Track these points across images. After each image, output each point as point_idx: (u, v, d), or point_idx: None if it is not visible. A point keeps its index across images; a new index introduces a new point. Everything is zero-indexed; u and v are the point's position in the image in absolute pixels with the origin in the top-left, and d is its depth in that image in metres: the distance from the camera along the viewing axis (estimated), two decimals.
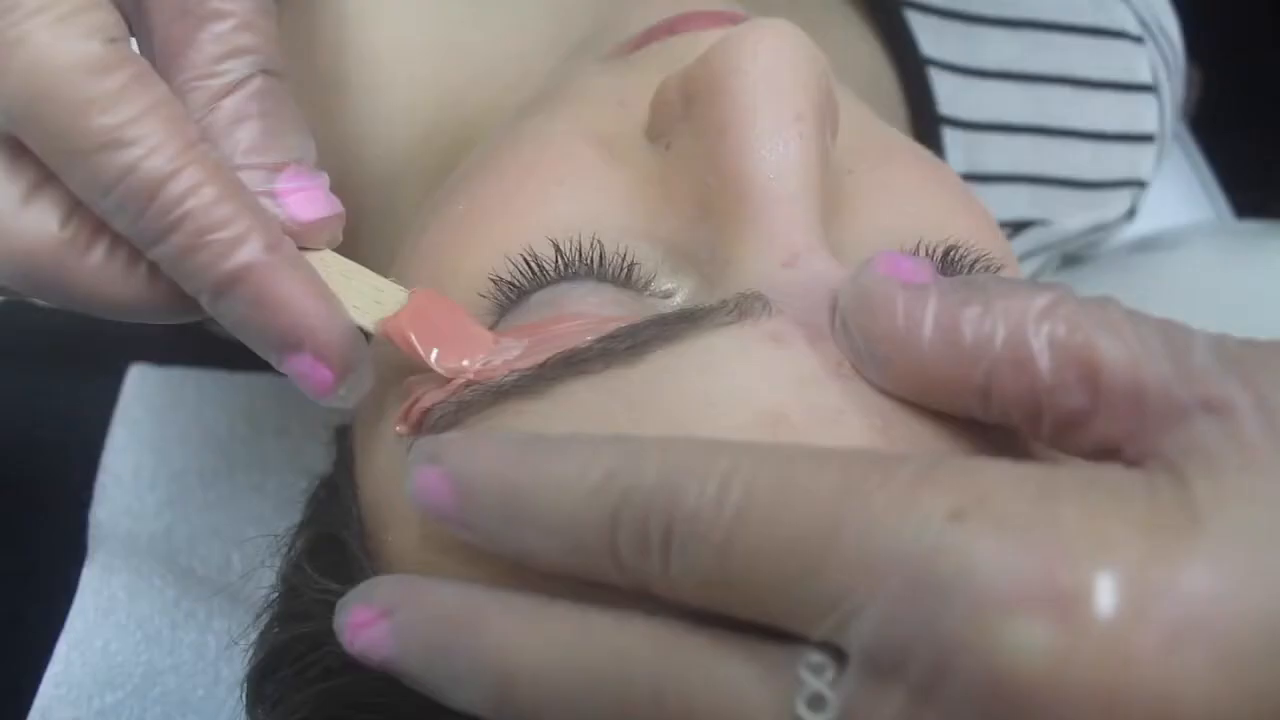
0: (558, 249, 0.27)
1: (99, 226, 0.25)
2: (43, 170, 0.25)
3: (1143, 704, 0.18)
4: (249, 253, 0.24)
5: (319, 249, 0.27)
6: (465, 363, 0.26)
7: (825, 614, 0.20)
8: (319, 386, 0.26)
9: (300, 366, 0.26)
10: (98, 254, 0.26)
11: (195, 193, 0.24)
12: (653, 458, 0.21)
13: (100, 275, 0.26)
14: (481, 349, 0.26)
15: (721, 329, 0.24)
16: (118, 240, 0.26)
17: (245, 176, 0.26)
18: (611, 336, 0.25)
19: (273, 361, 0.26)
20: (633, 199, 0.28)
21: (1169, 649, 0.18)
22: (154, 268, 0.26)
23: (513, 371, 0.25)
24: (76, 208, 0.25)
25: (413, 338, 0.26)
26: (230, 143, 0.26)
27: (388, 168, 0.41)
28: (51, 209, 0.25)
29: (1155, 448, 0.20)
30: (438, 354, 0.26)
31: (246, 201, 0.25)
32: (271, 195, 0.26)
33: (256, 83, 0.26)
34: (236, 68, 0.26)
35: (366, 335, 0.27)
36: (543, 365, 0.25)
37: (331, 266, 0.27)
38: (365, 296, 0.27)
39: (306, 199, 0.27)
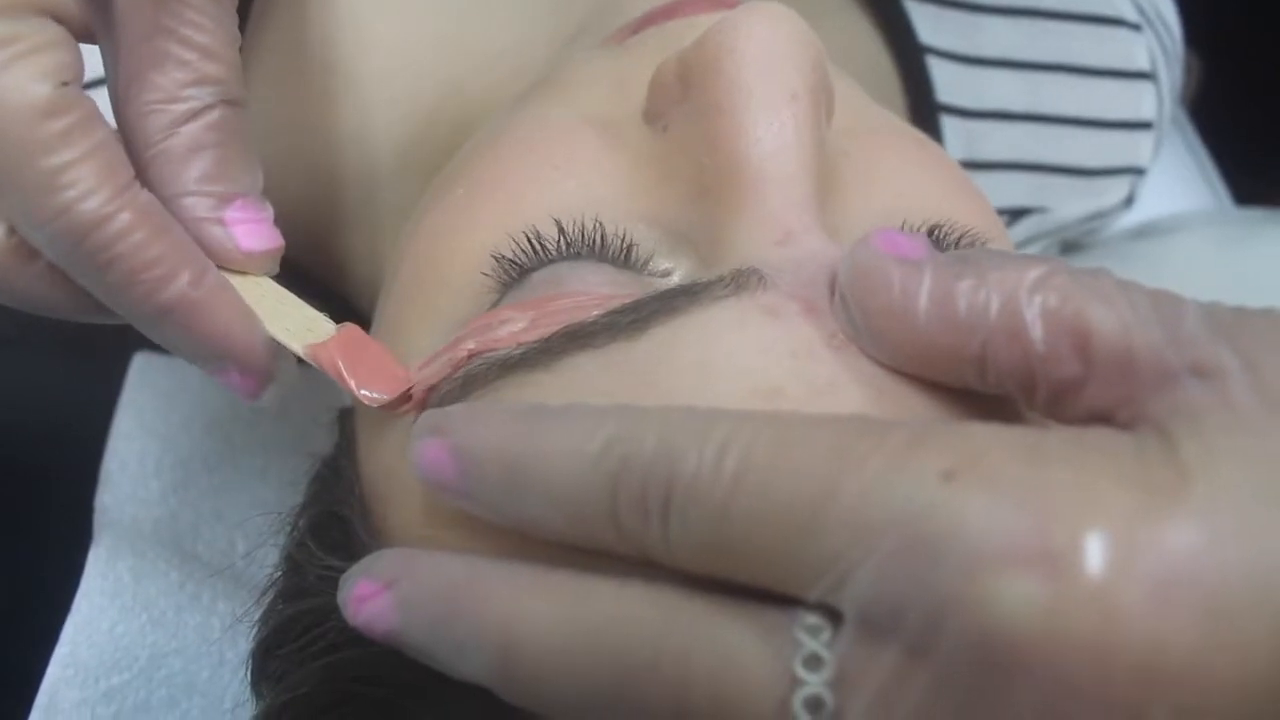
0: (560, 228, 0.27)
1: None
2: None
3: (1130, 656, 0.18)
4: (177, 288, 0.26)
5: (258, 276, 0.29)
6: (384, 396, 0.27)
7: (821, 576, 0.20)
8: (245, 394, 0.28)
9: (227, 379, 0.28)
10: (41, 262, 0.27)
11: (126, 236, 0.25)
12: (652, 426, 0.22)
13: (42, 281, 0.27)
14: (400, 386, 0.27)
15: (719, 302, 0.25)
16: None
17: (196, 202, 0.27)
18: (616, 311, 0.25)
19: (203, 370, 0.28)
20: (632, 181, 0.29)
21: (1156, 603, 0.18)
22: None
23: (519, 345, 0.26)
24: None
25: (340, 364, 0.28)
26: (186, 170, 0.27)
27: (387, 157, 0.41)
28: None
29: (1146, 411, 0.21)
30: (360, 383, 0.28)
31: (175, 239, 0.26)
32: (221, 222, 0.27)
33: (216, 114, 0.27)
34: (199, 95, 0.27)
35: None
36: (548, 339, 0.25)
37: (268, 293, 0.29)
38: (297, 323, 0.29)
39: (253, 230, 0.28)
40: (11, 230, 0.26)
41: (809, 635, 0.20)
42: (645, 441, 0.21)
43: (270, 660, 0.30)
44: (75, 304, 0.28)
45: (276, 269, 0.29)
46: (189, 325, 0.26)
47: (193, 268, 0.26)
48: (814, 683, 0.20)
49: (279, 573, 0.31)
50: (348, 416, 0.34)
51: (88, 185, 0.25)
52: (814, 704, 0.20)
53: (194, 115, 0.27)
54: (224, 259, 0.27)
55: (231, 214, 0.27)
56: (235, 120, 0.28)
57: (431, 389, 0.27)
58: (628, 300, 0.25)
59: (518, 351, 0.26)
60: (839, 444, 0.20)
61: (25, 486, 0.42)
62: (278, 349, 0.28)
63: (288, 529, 0.32)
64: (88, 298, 0.27)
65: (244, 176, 0.28)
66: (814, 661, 0.20)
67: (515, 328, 0.26)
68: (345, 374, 0.28)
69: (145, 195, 0.26)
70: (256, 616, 0.31)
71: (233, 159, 0.27)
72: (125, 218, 0.25)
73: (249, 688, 0.31)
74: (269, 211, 0.29)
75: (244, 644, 0.32)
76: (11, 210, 0.25)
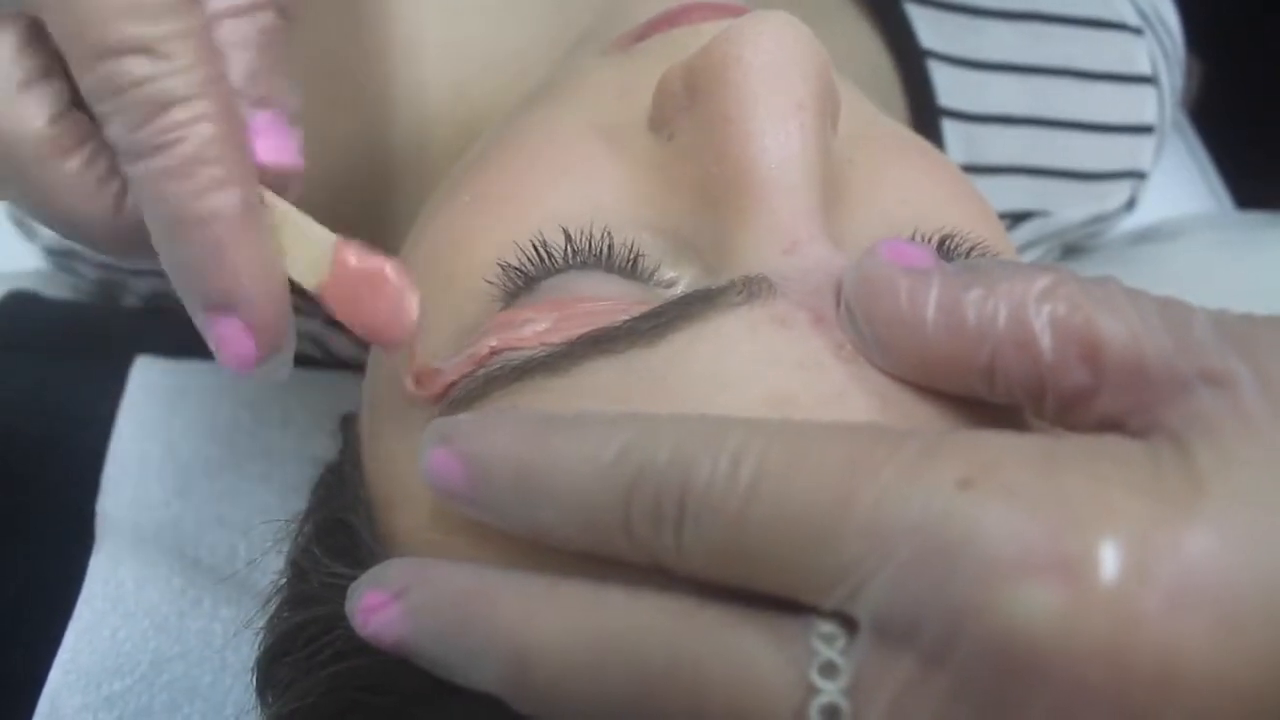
0: (568, 237, 0.27)
1: (85, 135, 0.25)
2: (48, 61, 0.24)
3: (1146, 663, 0.18)
4: (222, 200, 0.23)
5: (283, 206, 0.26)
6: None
7: (836, 584, 0.20)
8: (238, 356, 0.25)
9: (225, 329, 0.25)
10: (76, 161, 0.24)
11: (198, 123, 0.23)
12: (667, 434, 0.22)
13: (71, 184, 0.25)
14: (404, 333, 0.26)
15: (733, 309, 0.25)
16: (97, 154, 0.25)
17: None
18: (639, 317, 0.25)
19: (197, 321, 0.25)
20: (636, 188, 0.29)
21: (1171, 610, 0.18)
22: (123, 192, 0.25)
23: (542, 345, 0.26)
24: (68, 110, 0.25)
25: (354, 305, 0.26)
26: (227, 62, 0.25)
27: (397, 159, 0.41)
28: (45, 103, 0.24)
29: (1157, 420, 0.21)
30: (373, 333, 0.26)
31: (243, 154, 0.24)
32: (244, 126, 0.25)
33: (270, 17, 0.25)
34: None
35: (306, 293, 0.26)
36: (572, 342, 0.25)
37: (293, 226, 0.26)
38: (311, 257, 0.26)
39: (276, 146, 0.25)
40: (54, 120, 0.24)
41: (824, 643, 0.20)
42: (660, 449, 0.21)
43: (276, 669, 0.29)
44: (92, 218, 0.25)
45: (297, 195, 0.26)
46: (215, 249, 0.24)
47: (247, 190, 0.24)
48: (830, 691, 0.20)
49: (284, 579, 0.31)
50: (352, 422, 0.34)
51: (181, 63, 0.23)
52: (830, 712, 0.20)
53: (250, 9, 0.25)
54: None
55: (258, 122, 0.25)
56: (284, 32, 0.26)
57: (451, 384, 0.27)
58: (649, 307, 0.25)
59: (539, 354, 0.25)
60: (853, 452, 0.20)
61: (26, 491, 0.42)
62: (291, 321, 0.26)
63: (292, 535, 0.32)
64: (108, 213, 0.25)
65: (283, 89, 0.26)
66: (830, 669, 0.20)
67: (539, 328, 0.26)
68: (362, 319, 0.26)
69: (230, 93, 0.24)
70: (261, 623, 0.31)
71: (275, 68, 0.26)
72: (205, 105, 0.23)
73: (252, 694, 0.31)
74: (298, 136, 0.26)
75: (246, 650, 0.31)
76: (89, 76, 0.23)
